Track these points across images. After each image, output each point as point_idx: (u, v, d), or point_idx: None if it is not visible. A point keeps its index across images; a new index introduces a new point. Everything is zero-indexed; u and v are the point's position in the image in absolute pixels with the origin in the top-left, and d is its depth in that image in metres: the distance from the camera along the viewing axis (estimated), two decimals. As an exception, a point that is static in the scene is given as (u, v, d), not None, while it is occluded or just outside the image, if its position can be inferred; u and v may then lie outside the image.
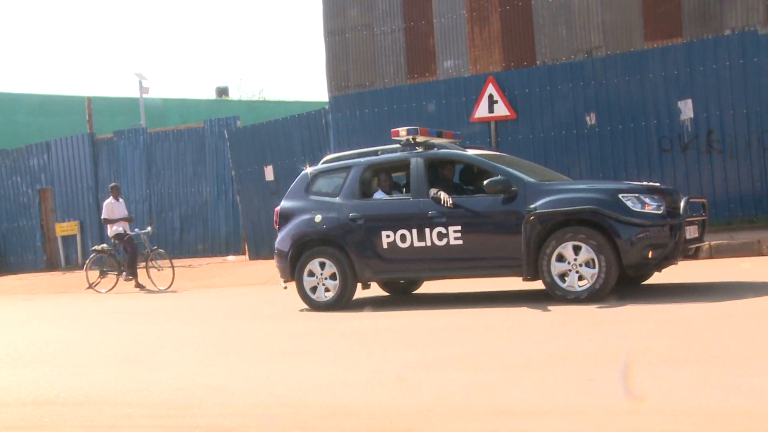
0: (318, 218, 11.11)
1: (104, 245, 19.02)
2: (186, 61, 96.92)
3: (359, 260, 10.77)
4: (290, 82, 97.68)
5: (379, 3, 19.04)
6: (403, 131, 11.02)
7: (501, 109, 17.40)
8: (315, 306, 11.10)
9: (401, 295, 12.73)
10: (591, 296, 9.31)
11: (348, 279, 10.85)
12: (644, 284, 10.98)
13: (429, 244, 10.29)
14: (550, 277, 9.58)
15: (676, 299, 9.48)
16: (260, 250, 21.06)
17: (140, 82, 30.50)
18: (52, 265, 26.79)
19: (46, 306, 16.60)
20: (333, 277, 10.94)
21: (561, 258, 9.51)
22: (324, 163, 11.96)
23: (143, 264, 18.04)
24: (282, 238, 11.53)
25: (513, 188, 9.83)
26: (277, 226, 11.74)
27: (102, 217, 18.75)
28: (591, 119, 17.20)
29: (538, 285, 10.15)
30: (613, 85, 17.09)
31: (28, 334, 11.99)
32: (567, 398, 5.47)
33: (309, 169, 11.82)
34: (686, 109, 16.56)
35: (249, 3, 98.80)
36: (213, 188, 23.36)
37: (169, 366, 8.08)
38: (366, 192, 11.27)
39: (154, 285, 17.61)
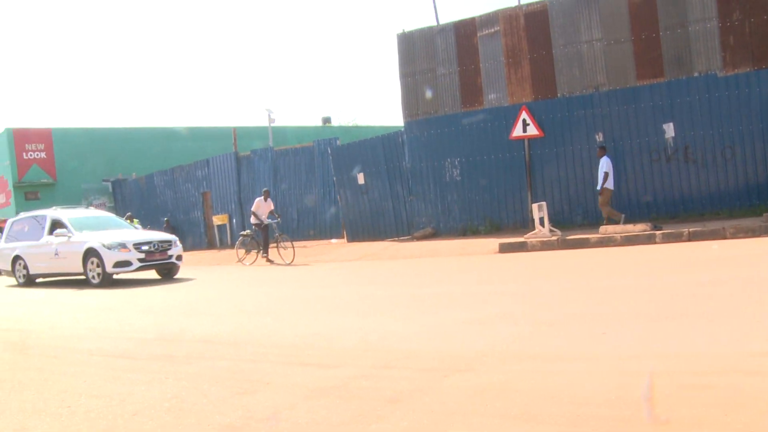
0: None
1: (248, 231, 19.17)
2: (301, 97, 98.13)
3: None
4: (376, 111, 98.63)
5: (439, 53, 18.86)
6: None
7: (532, 130, 17.11)
8: None
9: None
10: None
11: None
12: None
13: None
14: None
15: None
16: (355, 234, 21.00)
17: (269, 115, 31.08)
18: (210, 245, 27.41)
19: (209, 274, 16.72)
20: None
21: None
22: None
23: (274, 245, 18.12)
24: None
25: None
26: None
27: (252, 210, 18.84)
28: (599, 137, 16.76)
29: None
30: (615, 111, 16.63)
31: (195, 293, 12.22)
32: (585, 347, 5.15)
33: None
34: (669, 130, 16.10)
35: (349, 56, 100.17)
36: (320, 190, 23.40)
37: (289, 318, 8.02)
38: None
39: (282, 260, 17.55)
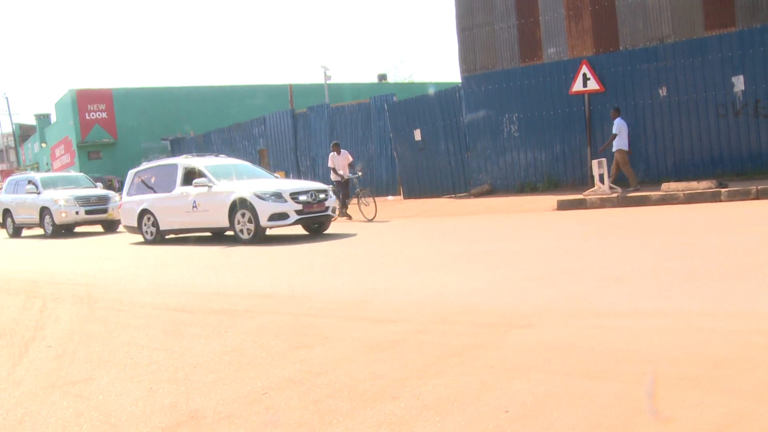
0: None
1: (331, 186, 18.32)
2: (356, 54, 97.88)
3: None
4: (432, 67, 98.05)
5: (498, 6, 18.48)
6: None
7: (593, 85, 16.63)
8: None
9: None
10: None
11: None
12: None
13: None
14: None
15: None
16: (412, 191, 20.92)
17: (325, 72, 31.04)
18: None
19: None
20: None
21: None
22: None
23: (355, 201, 17.25)
24: None
25: None
26: None
27: (329, 166, 18.03)
28: (663, 91, 16.25)
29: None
30: (680, 65, 16.04)
31: (248, 252, 12.10)
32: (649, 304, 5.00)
33: None
34: (738, 83, 15.45)
35: (404, 11, 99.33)
36: (376, 146, 23.34)
37: (347, 274, 8.02)
38: None
39: (364, 216, 16.54)
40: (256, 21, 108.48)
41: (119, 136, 35.53)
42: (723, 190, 13.17)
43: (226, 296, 7.09)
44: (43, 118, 46.04)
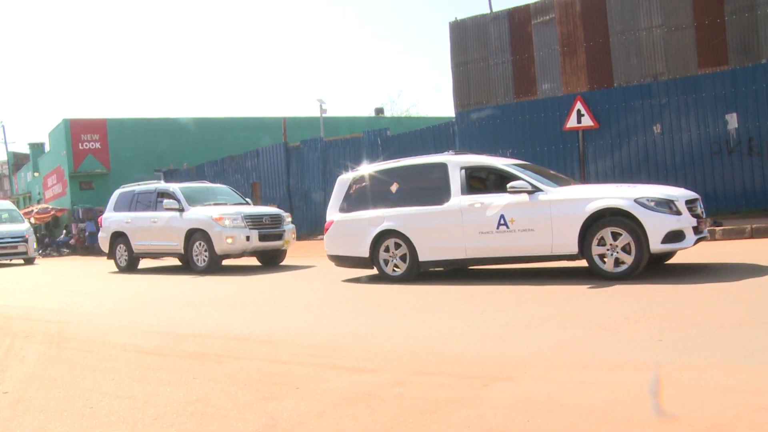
0: None
1: None
2: (353, 88, 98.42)
3: None
4: (430, 101, 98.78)
5: (492, 41, 18.43)
6: None
7: (587, 121, 16.52)
8: None
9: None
10: None
11: None
12: None
13: None
14: None
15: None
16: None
17: (321, 105, 30.97)
18: (258, 236, 27.12)
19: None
20: None
21: None
22: None
23: None
24: None
25: None
26: None
27: None
28: (657, 129, 16.20)
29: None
30: (674, 102, 15.99)
31: (235, 286, 11.82)
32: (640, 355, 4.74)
33: None
34: (732, 120, 15.41)
35: (400, 48, 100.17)
36: (369, 180, 23.08)
37: (327, 315, 7.77)
38: None
39: None
40: (252, 53, 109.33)
41: (112, 166, 35.31)
42: (717, 228, 12.97)
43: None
44: (37, 147, 45.89)
